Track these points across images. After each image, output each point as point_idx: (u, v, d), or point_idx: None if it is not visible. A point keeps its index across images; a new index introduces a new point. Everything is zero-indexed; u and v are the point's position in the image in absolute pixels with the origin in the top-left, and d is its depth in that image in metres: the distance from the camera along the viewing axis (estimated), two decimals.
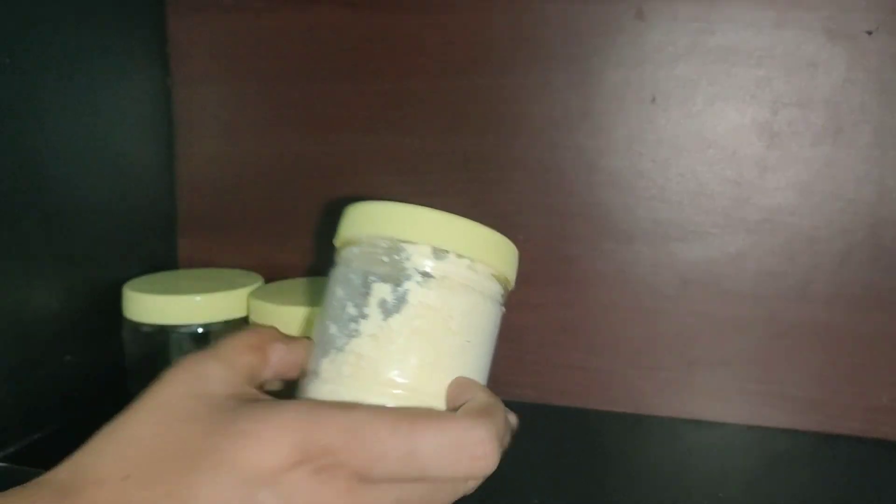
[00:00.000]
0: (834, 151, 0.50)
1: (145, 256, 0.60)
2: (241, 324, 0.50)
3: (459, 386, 0.31)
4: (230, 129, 0.62)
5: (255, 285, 0.52)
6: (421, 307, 0.30)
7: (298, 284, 0.53)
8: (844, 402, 0.52)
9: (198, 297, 0.50)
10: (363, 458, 0.27)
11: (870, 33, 0.49)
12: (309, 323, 0.45)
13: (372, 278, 0.31)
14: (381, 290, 0.30)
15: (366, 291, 0.31)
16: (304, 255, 0.60)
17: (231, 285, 0.52)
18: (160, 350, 0.50)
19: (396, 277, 0.30)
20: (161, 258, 0.62)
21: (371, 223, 0.32)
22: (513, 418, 0.32)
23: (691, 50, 0.52)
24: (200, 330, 0.50)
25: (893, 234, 0.50)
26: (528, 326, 0.56)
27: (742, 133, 0.52)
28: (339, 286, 0.32)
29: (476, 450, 0.28)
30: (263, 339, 0.33)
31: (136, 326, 0.50)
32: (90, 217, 0.54)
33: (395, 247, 0.31)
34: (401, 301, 0.30)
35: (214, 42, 0.61)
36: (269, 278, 0.54)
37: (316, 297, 0.48)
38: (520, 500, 0.44)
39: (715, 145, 0.52)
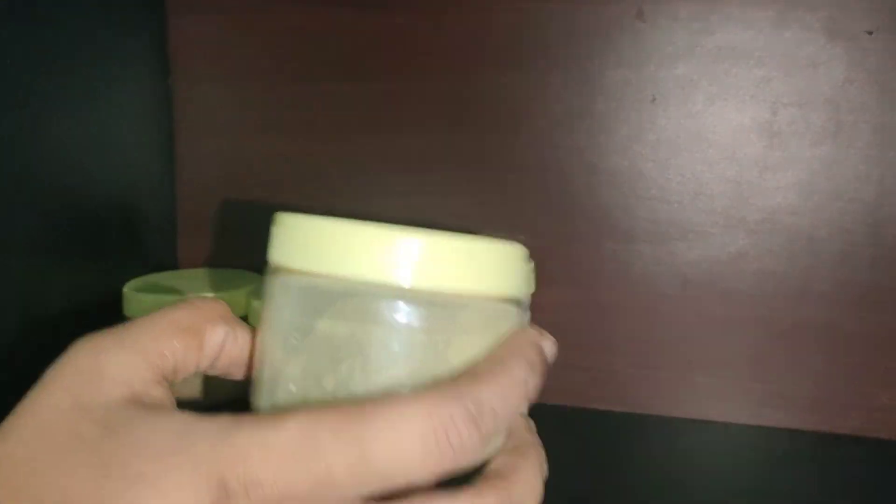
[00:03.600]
0: (834, 151, 0.50)
1: (145, 256, 0.60)
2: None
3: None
4: (230, 129, 0.62)
5: (255, 285, 0.52)
6: None
7: None
8: (844, 402, 0.52)
9: None
10: (304, 483, 0.20)
11: (870, 33, 0.49)
12: None
13: None
14: None
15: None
16: None
17: (231, 285, 0.52)
18: None
19: None
20: (161, 258, 0.62)
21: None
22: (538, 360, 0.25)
23: (691, 50, 0.52)
24: None
25: (893, 234, 0.50)
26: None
27: (742, 133, 0.52)
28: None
29: (448, 434, 0.20)
30: (199, 318, 0.25)
31: None
32: (90, 217, 0.54)
33: None
34: None
35: (214, 42, 0.61)
36: None
37: None
38: None
39: (715, 145, 0.52)
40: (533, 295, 0.56)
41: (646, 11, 0.52)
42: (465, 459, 0.20)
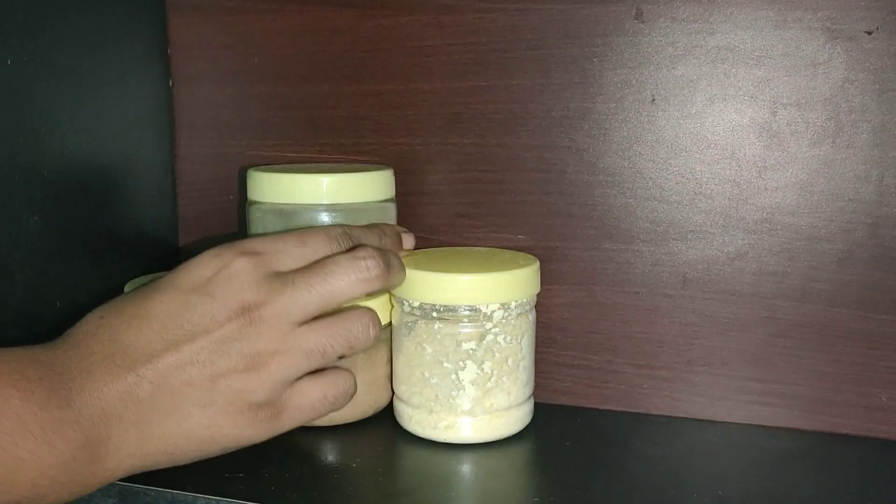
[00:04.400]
0: (834, 151, 0.50)
1: (145, 256, 0.60)
2: None
3: None
4: (230, 129, 0.62)
5: None
6: None
7: None
8: (844, 402, 0.52)
9: None
10: (272, 252, 0.42)
11: (870, 33, 0.49)
12: None
13: None
14: None
15: None
16: None
17: None
18: None
19: None
20: (161, 258, 0.62)
21: None
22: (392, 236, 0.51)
23: (691, 50, 0.52)
24: None
25: (893, 234, 0.50)
26: None
27: (741, 133, 0.52)
28: None
29: (358, 254, 0.43)
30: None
31: None
32: (90, 217, 0.54)
33: None
34: None
35: (214, 42, 0.61)
36: None
37: None
38: (520, 500, 0.44)
39: (714, 145, 0.52)
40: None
41: (645, 12, 0.52)
42: (371, 270, 0.43)
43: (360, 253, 0.43)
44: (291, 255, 0.42)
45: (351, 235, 0.45)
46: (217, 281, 0.40)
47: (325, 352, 0.41)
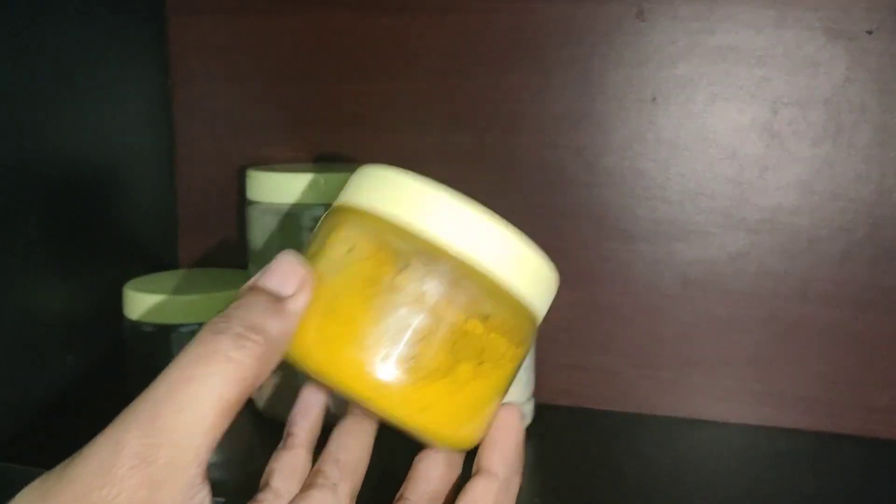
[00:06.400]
0: (834, 151, 0.50)
1: (145, 256, 0.60)
2: None
3: None
4: (230, 129, 0.62)
5: None
6: None
7: None
8: (844, 402, 0.52)
9: (198, 297, 0.50)
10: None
11: (870, 33, 0.49)
12: None
13: None
14: None
15: None
16: None
17: (231, 285, 0.52)
18: (161, 350, 0.50)
19: None
20: (161, 258, 0.62)
21: None
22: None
23: (691, 50, 0.52)
24: None
25: (893, 234, 0.50)
26: None
27: (742, 133, 0.52)
28: None
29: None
30: (251, 385, 0.24)
31: (137, 326, 0.50)
32: (90, 217, 0.54)
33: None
34: None
35: (214, 42, 0.61)
36: None
37: None
38: (520, 500, 0.44)
39: (715, 145, 0.52)
40: None
41: (646, 11, 0.52)
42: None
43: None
44: None
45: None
46: None
47: None
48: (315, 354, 0.26)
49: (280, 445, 0.30)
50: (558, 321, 0.56)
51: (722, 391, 0.54)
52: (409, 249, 0.25)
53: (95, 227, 0.54)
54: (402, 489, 0.29)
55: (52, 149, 0.50)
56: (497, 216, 0.27)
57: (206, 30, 0.61)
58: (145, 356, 0.51)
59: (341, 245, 0.27)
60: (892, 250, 0.50)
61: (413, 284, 0.25)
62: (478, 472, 0.27)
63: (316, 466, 0.29)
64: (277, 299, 0.26)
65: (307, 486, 0.28)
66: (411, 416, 0.26)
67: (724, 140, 0.52)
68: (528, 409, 0.51)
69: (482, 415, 0.27)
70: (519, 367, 0.28)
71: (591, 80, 0.54)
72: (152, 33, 0.60)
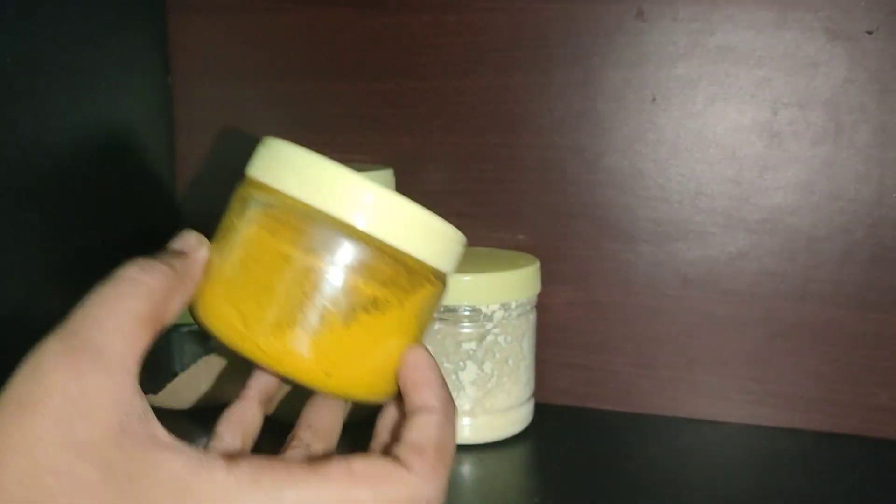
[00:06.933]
0: (834, 151, 0.50)
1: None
2: None
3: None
4: (230, 129, 0.62)
5: None
6: None
7: None
8: (844, 401, 0.52)
9: None
10: None
11: (870, 33, 0.49)
12: None
13: None
14: None
15: None
16: None
17: None
18: (161, 348, 0.50)
19: None
20: None
21: None
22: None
23: (691, 50, 0.52)
24: None
25: (893, 234, 0.50)
26: None
27: (742, 133, 0.52)
28: None
29: None
30: (160, 303, 0.26)
31: None
32: (91, 217, 0.54)
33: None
34: None
35: (214, 42, 0.61)
36: None
37: None
38: (520, 500, 0.44)
39: (715, 145, 0.52)
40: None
41: (646, 11, 0.52)
42: None
43: None
44: None
45: None
46: None
47: None
48: (220, 327, 0.28)
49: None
50: (558, 321, 0.56)
51: (722, 391, 0.54)
52: (291, 215, 0.27)
53: (95, 225, 0.54)
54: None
55: (53, 148, 0.50)
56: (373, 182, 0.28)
57: (206, 29, 0.61)
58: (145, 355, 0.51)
59: (233, 215, 0.31)
60: (892, 250, 0.50)
61: (294, 250, 0.27)
62: (414, 411, 0.27)
63: (291, 433, 0.31)
64: (180, 252, 0.30)
65: (283, 449, 0.30)
66: (319, 381, 0.27)
67: (724, 140, 0.52)
68: (529, 410, 0.51)
69: (388, 365, 0.28)
70: (423, 314, 0.28)
71: (591, 80, 0.54)
72: (152, 33, 0.60)
